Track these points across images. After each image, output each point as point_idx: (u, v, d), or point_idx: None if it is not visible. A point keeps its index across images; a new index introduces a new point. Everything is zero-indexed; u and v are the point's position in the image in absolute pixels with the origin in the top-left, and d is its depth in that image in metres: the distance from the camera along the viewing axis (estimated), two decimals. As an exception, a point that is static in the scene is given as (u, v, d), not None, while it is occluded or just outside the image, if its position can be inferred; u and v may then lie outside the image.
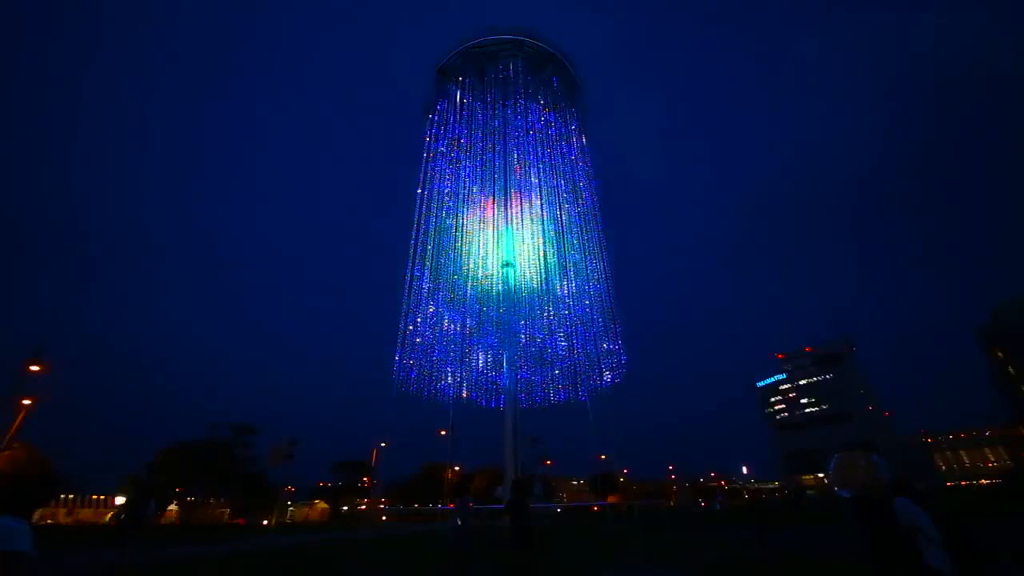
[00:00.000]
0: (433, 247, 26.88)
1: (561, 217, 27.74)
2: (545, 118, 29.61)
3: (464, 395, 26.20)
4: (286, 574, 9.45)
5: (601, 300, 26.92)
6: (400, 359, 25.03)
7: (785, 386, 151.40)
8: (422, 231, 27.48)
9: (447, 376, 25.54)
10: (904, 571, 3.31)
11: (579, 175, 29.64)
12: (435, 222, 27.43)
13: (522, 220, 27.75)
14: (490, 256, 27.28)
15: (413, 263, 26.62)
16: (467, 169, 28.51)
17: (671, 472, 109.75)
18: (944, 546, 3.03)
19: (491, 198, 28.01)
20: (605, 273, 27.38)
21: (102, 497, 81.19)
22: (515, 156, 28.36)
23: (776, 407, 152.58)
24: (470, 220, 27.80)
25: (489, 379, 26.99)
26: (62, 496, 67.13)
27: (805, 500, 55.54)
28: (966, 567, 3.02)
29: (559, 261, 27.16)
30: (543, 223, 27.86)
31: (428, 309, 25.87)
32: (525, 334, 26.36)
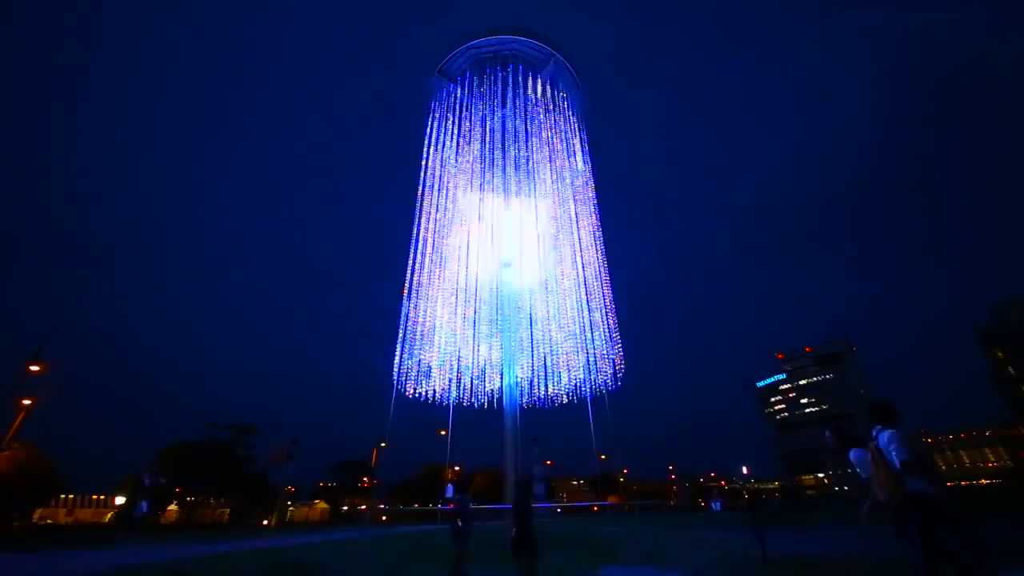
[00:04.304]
0: (433, 247, 26.92)
1: (560, 216, 27.78)
2: (544, 117, 29.67)
3: (464, 396, 26.22)
4: (285, 574, 9.47)
5: (600, 301, 26.94)
6: (400, 360, 25.05)
7: (785, 386, 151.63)
8: (423, 230, 27.52)
9: (447, 376, 25.57)
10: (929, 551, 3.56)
11: (578, 174, 29.68)
12: (436, 222, 27.47)
13: (521, 219, 27.82)
14: (490, 256, 27.28)
15: (414, 264, 26.65)
16: (467, 168, 28.53)
17: (671, 472, 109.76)
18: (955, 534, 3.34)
19: (490, 197, 28.01)
20: (604, 273, 27.45)
21: (102, 497, 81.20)
22: (514, 155, 28.41)
23: (776, 407, 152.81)
24: (470, 219, 27.79)
25: (489, 380, 26.98)
26: (62, 496, 67.13)
27: (804, 499, 55.59)
28: (975, 558, 3.26)
29: (558, 261, 27.19)
30: (542, 222, 27.84)
31: (428, 310, 25.88)
32: (525, 335, 26.44)
